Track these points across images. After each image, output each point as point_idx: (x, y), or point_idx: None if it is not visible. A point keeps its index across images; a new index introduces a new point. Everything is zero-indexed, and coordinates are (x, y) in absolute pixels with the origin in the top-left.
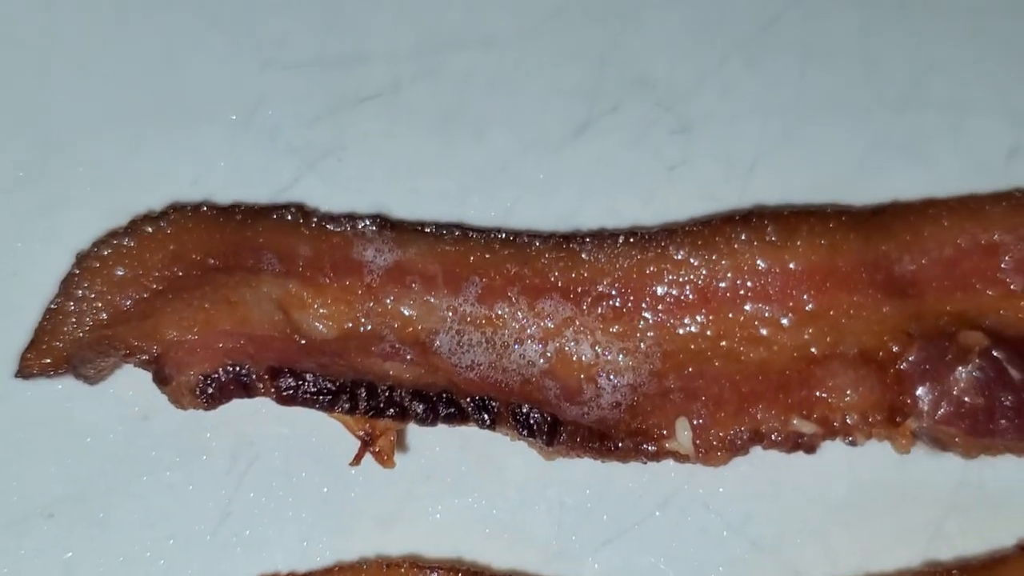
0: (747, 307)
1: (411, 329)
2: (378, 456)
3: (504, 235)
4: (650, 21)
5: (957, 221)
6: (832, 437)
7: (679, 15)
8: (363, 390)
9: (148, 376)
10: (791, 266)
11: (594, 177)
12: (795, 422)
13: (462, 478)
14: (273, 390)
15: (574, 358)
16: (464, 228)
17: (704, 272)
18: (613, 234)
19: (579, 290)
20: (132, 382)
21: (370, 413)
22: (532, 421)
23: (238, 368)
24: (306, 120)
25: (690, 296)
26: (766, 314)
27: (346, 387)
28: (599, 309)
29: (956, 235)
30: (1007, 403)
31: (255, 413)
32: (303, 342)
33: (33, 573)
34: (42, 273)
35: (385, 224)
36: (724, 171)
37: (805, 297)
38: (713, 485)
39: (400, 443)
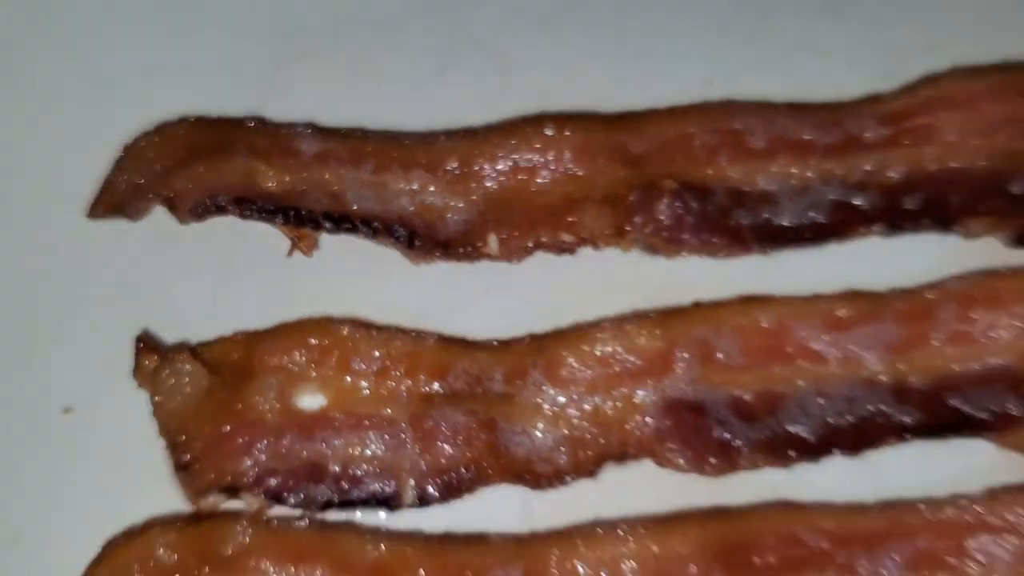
0: (540, 174)
1: (329, 189)
2: (303, 249)
3: (388, 133)
4: None
5: (667, 120)
6: (584, 245)
7: None
8: (293, 212)
9: None
10: (564, 147)
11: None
12: (563, 236)
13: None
14: (238, 211)
15: (430, 205)
16: (363, 130)
17: (513, 153)
18: (457, 131)
19: (435, 165)
20: None
21: (298, 224)
22: (398, 235)
23: (218, 199)
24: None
25: (503, 167)
26: (548, 175)
27: (284, 209)
28: (447, 177)
29: (666, 129)
30: (688, 222)
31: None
32: (260, 190)
33: None
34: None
35: (315, 128)
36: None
37: (571, 165)
38: None
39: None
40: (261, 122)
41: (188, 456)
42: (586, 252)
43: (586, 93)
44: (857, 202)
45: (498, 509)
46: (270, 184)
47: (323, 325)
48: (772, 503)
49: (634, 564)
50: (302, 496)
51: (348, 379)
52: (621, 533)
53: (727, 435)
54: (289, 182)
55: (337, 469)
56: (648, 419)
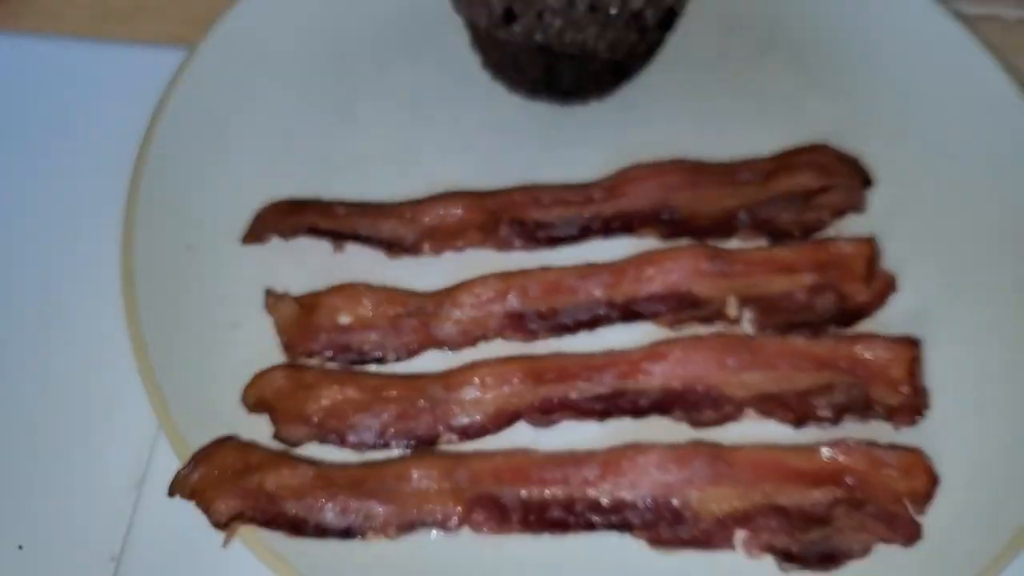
0: (450, 216)
1: None
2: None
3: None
4: None
5: (514, 191)
6: (470, 247)
7: None
8: None
9: None
10: (460, 207)
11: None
12: (458, 243)
13: None
14: None
15: (402, 237)
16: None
17: (438, 209)
18: (406, 203)
19: (399, 213)
20: None
21: None
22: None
23: None
24: None
25: (430, 218)
26: (454, 218)
27: None
28: (404, 221)
29: (511, 195)
30: (516, 237)
31: None
32: None
33: None
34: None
35: None
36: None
37: (461, 212)
38: None
39: None
40: None
41: (288, 342)
42: (472, 252)
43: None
44: (595, 226)
45: None
46: None
47: (348, 288)
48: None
49: None
50: (339, 358)
51: (360, 309)
52: None
53: None
54: None
55: (357, 345)
56: None
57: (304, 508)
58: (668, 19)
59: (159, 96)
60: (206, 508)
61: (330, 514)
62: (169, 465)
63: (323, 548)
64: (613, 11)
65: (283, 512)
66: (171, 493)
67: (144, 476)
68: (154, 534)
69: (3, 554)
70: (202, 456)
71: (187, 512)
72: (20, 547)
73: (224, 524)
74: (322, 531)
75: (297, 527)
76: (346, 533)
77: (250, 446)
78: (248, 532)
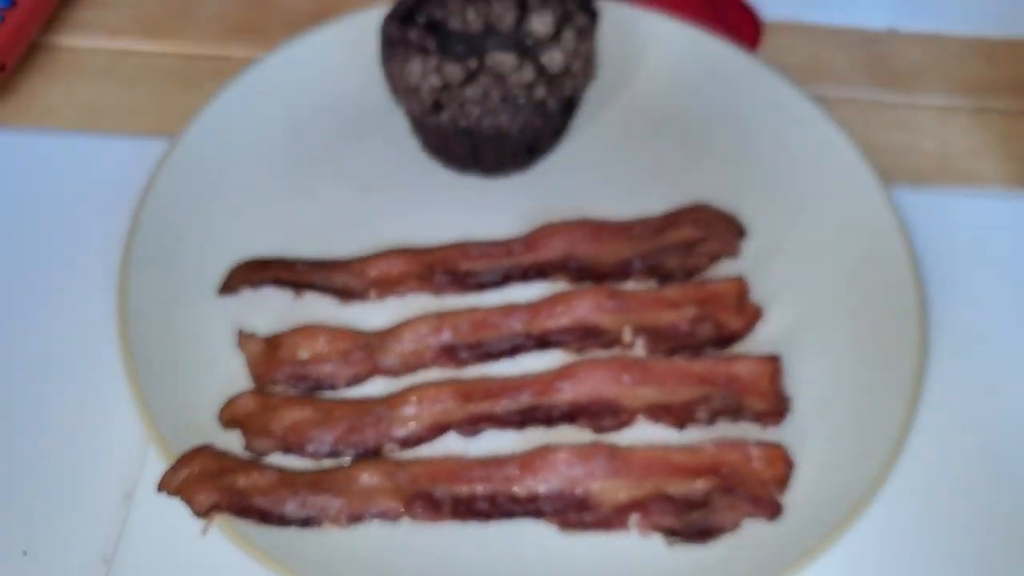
0: (394, 269)
1: None
2: None
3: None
4: None
5: (447, 248)
6: (410, 293)
7: None
8: None
9: None
10: (401, 263)
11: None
12: (401, 288)
13: None
14: None
15: (353, 288)
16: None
17: (383, 265)
18: (360, 258)
19: (357, 271)
20: None
21: None
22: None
23: None
24: None
25: (375, 271)
26: (396, 270)
27: None
28: (355, 274)
29: (444, 251)
30: (448, 284)
31: None
32: None
33: None
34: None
35: None
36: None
37: (402, 265)
38: None
39: None
40: None
41: (256, 373)
42: (411, 297)
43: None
44: (515, 273)
45: None
46: None
47: (307, 328)
48: None
49: None
50: (299, 386)
51: (316, 346)
52: None
53: None
54: None
55: (314, 375)
56: None
57: (270, 502)
58: (568, 106)
59: (147, 177)
60: (189, 501)
61: (292, 507)
62: (158, 473)
63: (286, 534)
64: (521, 101)
65: (252, 505)
66: (160, 489)
67: (135, 485)
68: (145, 537)
69: (7, 559)
70: (185, 460)
71: (174, 518)
72: (24, 553)
73: (204, 514)
74: (285, 521)
75: (264, 517)
76: (305, 522)
77: (225, 453)
78: (224, 521)
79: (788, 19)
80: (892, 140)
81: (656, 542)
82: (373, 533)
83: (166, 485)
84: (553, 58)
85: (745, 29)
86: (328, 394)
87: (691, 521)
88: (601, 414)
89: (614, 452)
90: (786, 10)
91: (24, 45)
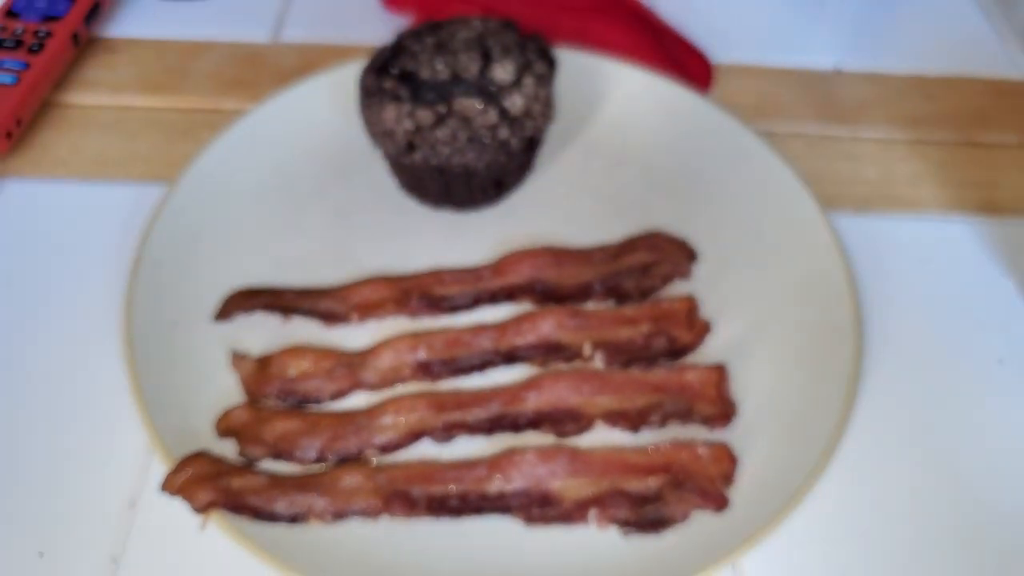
0: (375, 295)
1: None
2: None
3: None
4: None
5: (423, 276)
6: (390, 315)
7: None
8: None
9: None
10: (381, 289)
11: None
12: (381, 312)
13: None
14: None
15: (336, 312)
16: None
17: (365, 292)
18: (341, 287)
19: (341, 298)
20: None
21: None
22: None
23: None
24: None
25: (358, 297)
26: (376, 296)
27: None
28: (338, 299)
29: (420, 279)
30: (424, 307)
31: None
32: None
33: None
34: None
35: None
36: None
37: (382, 291)
38: None
39: None
40: None
41: (248, 389)
42: (390, 319)
43: (389, 263)
44: (484, 297)
45: None
46: None
47: (295, 349)
48: None
49: None
50: (287, 400)
51: (304, 364)
52: None
53: None
54: None
55: (301, 391)
56: None
57: (262, 501)
58: (531, 145)
59: (149, 218)
60: (189, 499)
61: (281, 505)
62: (160, 479)
63: (276, 530)
64: (486, 141)
65: (246, 503)
66: (162, 489)
67: (140, 491)
68: (149, 538)
69: (25, 560)
70: (185, 463)
71: (176, 521)
72: (41, 554)
73: (202, 511)
74: (275, 517)
75: (257, 514)
76: (293, 519)
77: (221, 458)
78: (220, 518)
79: (740, 62)
80: (837, 170)
81: (613, 533)
82: (355, 529)
83: (168, 485)
84: (515, 102)
85: (698, 72)
86: (314, 407)
87: (645, 514)
88: (563, 421)
89: (575, 453)
90: (737, 53)
91: (37, 103)
